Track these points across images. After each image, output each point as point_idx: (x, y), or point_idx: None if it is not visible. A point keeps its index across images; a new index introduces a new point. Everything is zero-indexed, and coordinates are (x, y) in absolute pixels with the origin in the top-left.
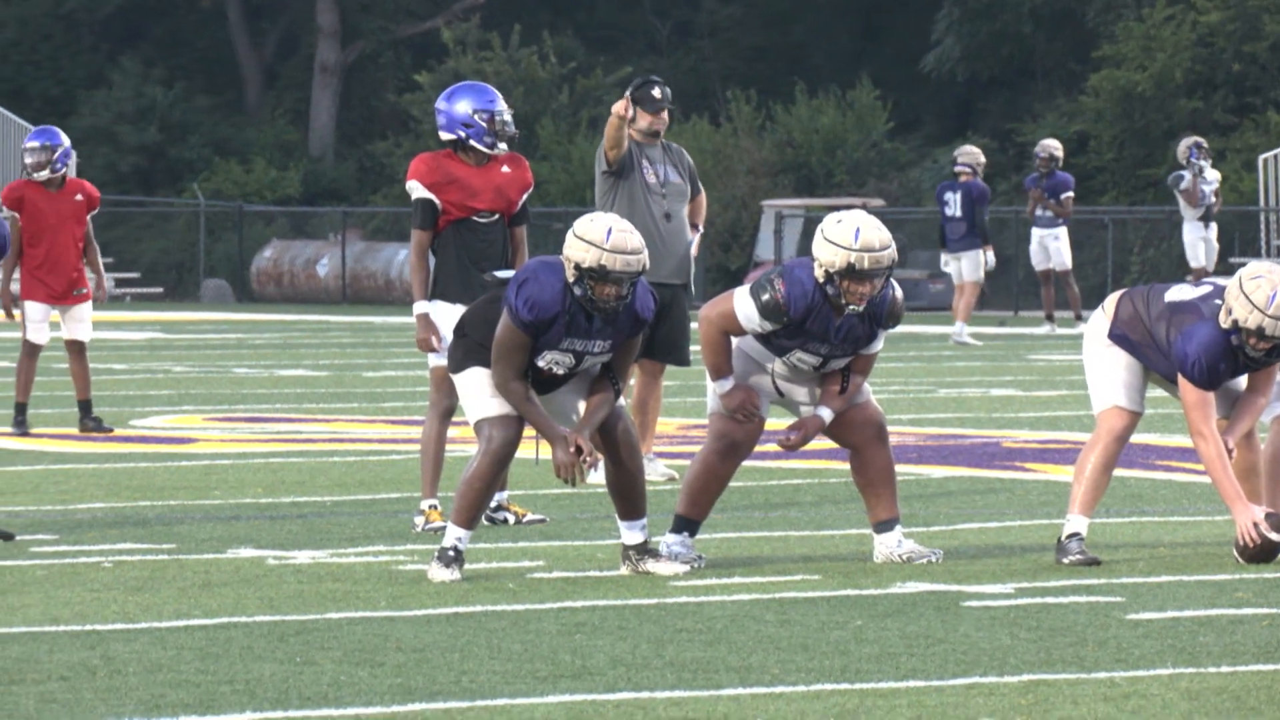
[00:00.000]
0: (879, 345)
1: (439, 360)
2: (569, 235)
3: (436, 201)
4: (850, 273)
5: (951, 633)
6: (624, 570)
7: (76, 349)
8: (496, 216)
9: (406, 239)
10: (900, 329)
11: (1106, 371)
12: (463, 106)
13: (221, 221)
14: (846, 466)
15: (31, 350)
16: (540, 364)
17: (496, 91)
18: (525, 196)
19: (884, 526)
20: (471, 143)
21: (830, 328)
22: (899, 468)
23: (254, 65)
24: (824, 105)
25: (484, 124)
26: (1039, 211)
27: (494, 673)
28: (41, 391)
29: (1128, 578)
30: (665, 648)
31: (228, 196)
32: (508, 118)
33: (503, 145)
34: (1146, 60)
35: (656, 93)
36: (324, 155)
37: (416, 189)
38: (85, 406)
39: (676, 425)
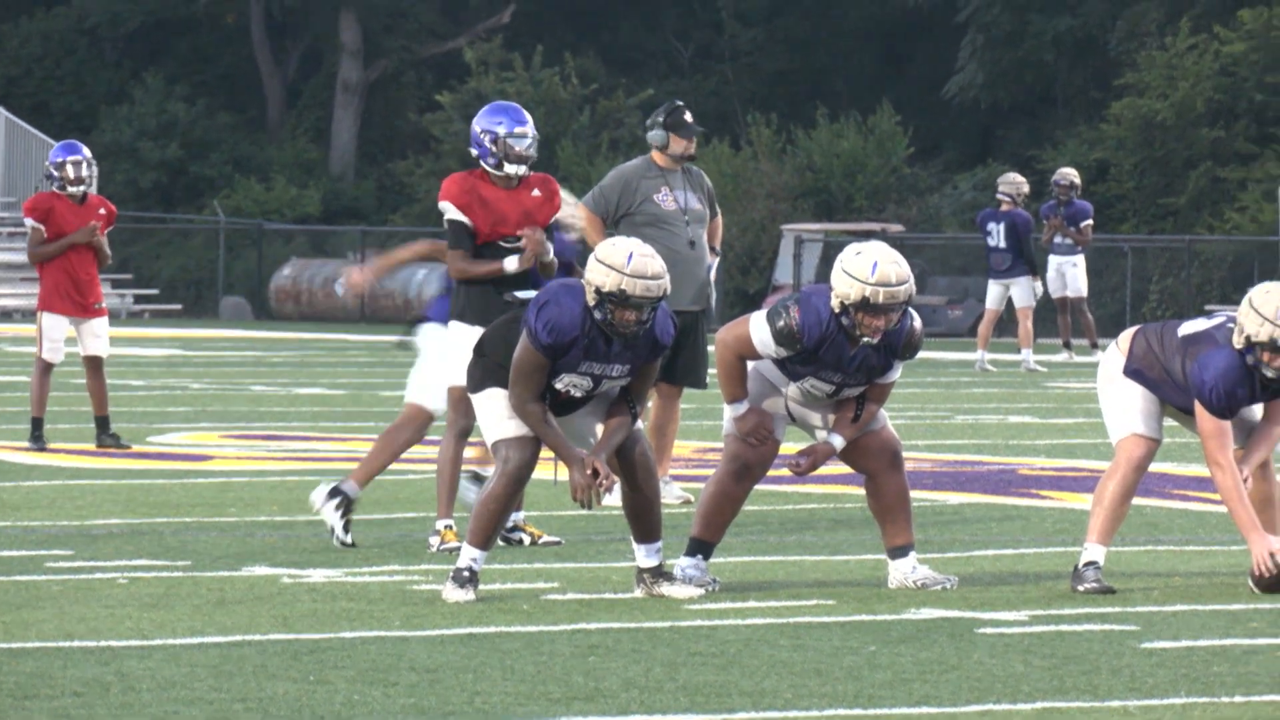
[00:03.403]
0: (895, 375)
1: (457, 380)
2: (590, 259)
3: (469, 223)
4: (865, 306)
5: (965, 659)
6: (638, 593)
7: (94, 365)
8: (522, 241)
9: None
10: (918, 355)
11: (1123, 400)
12: (477, 124)
13: (241, 239)
14: (862, 491)
15: (46, 368)
16: (558, 386)
17: (520, 114)
18: (553, 220)
19: (898, 552)
20: (480, 162)
21: (844, 357)
22: (915, 493)
23: (276, 83)
24: (844, 130)
25: (489, 144)
26: (1057, 239)
27: (507, 694)
28: (59, 407)
29: (1142, 606)
30: (679, 671)
31: (248, 214)
32: (515, 142)
33: (513, 168)
34: (1168, 89)
35: (690, 118)
36: (344, 174)
37: (449, 210)
38: (103, 422)
39: (693, 448)
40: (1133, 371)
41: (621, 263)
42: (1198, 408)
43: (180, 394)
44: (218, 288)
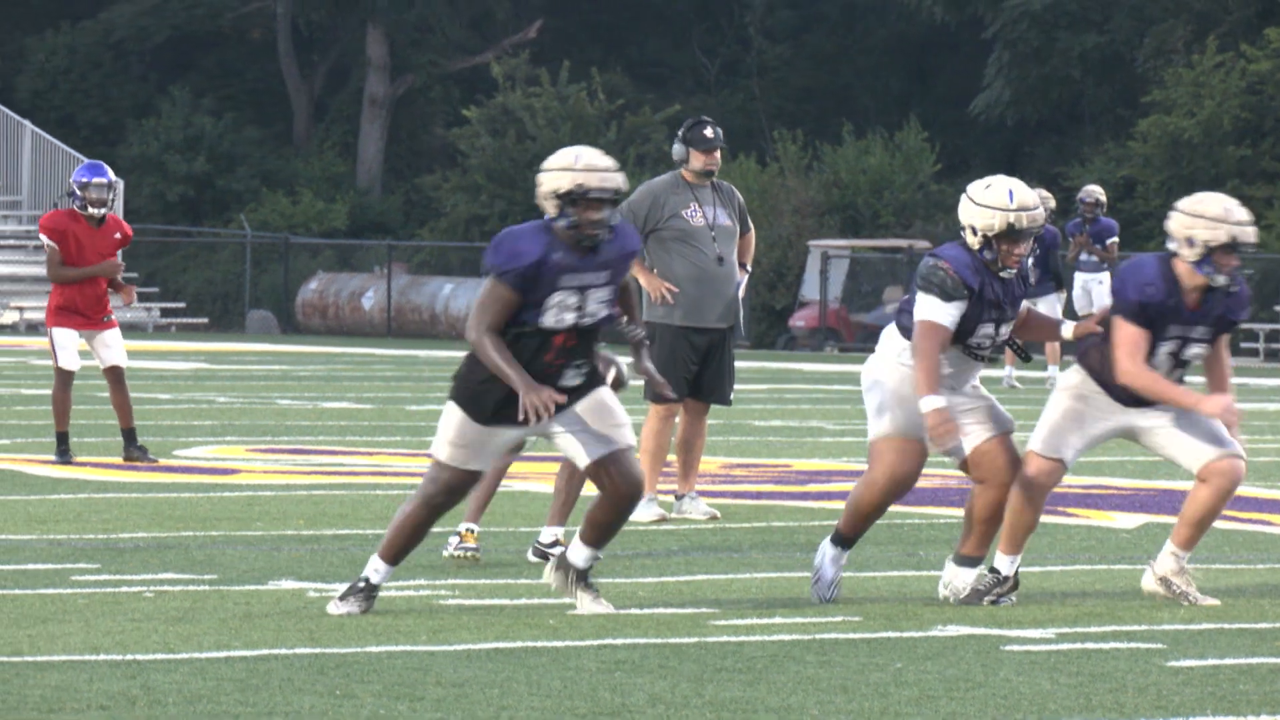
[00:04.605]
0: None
1: None
2: (539, 176)
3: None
4: (1010, 233)
5: (992, 676)
6: (549, 579)
7: (115, 376)
8: None
9: (451, 273)
10: None
11: (1044, 413)
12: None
13: (267, 253)
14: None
15: (65, 378)
16: (549, 321)
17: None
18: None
19: (969, 562)
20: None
21: (1000, 291)
22: (942, 510)
23: (303, 97)
24: (871, 146)
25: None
26: (1083, 256)
27: (533, 709)
28: (85, 420)
29: (1169, 625)
30: (705, 687)
31: (274, 228)
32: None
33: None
34: (1195, 106)
35: (709, 132)
36: (371, 188)
37: None
38: (129, 435)
39: (719, 464)
40: (1085, 366)
41: (570, 161)
42: (1113, 319)
43: (207, 408)
44: (244, 301)
